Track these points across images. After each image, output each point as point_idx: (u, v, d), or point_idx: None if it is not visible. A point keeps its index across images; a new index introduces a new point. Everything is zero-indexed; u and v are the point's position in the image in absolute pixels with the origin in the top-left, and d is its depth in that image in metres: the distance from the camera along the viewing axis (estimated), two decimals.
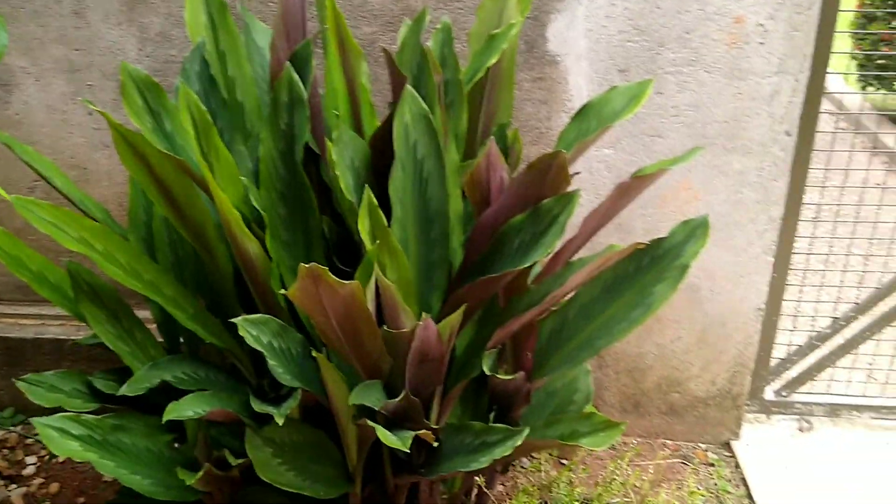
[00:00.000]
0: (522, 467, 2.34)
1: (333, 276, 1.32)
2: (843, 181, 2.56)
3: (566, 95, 2.20)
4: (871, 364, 2.74)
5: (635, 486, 1.99)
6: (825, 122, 2.34)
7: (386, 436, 1.44)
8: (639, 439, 2.62)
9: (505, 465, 2.31)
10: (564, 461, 2.44)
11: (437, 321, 1.55)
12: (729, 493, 2.43)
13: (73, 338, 2.52)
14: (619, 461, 2.14)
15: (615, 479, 2.02)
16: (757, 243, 2.33)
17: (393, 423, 1.61)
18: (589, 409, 1.89)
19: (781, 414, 2.72)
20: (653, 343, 2.51)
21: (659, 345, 2.51)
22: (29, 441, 2.56)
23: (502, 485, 2.31)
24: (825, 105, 2.29)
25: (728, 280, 2.40)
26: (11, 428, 2.59)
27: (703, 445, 2.63)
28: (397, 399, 1.54)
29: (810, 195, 2.44)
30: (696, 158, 2.24)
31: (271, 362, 1.54)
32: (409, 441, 1.45)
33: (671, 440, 2.63)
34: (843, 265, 2.74)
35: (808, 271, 2.68)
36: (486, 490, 1.98)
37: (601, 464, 2.43)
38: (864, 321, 2.63)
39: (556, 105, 2.21)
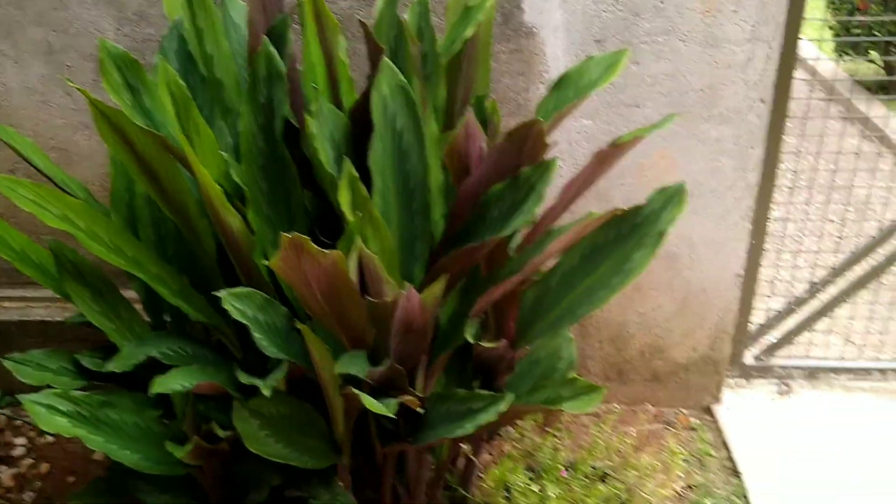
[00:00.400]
0: (507, 436, 2.37)
1: (316, 246, 1.34)
2: (818, 148, 2.60)
3: (543, 67, 2.22)
4: (848, 327, 2.79)
5: (618, 449, 2.03)
6: (800, 91, 2.37)
7: (371, 402, 1.46)
8: (622, 406, 2.65)
9: (490, 433, 2.35)
10: (549, 429, 2.47)
11: (421, 291, 1.57)
12: (711, 456, 2.47)
13: (58, 319, 2.53)
14: (602, 427, 2.18)
15: (599, 443, 2.05)
16: (735, 210, 2.37)
17: (379, 393, 1.64)
18: (572, 376, 1.92)
19: (761, 378, 2.76)
20: (635, 312, 2.54)
21: (641, 313, 2.54)
22: (17, 423, 2.57)
23: (489, 453, 2.34)
24: (800, 74, 2.32)
25: (707, 247, 2.43)
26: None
27: (685, 410, 2.67)
28: (382, 367, 1.56)
29: (786, 162, 2.47)
30: (674, 127, 2.27)
31: (256, 335, 1.56)
32: (394, 407, 1.48)
33: (654, 406, 2.67)
34: (819, 231, 2.78)
35: (785, 237, 2.73)
36: (472, 457, 2.01)
37: (585, 430, 2.46)
38: (840, 285, 2.68)
39: (533, 76, 2.23)
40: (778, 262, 2.69)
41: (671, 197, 1.84)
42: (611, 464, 1.99)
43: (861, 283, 2.64)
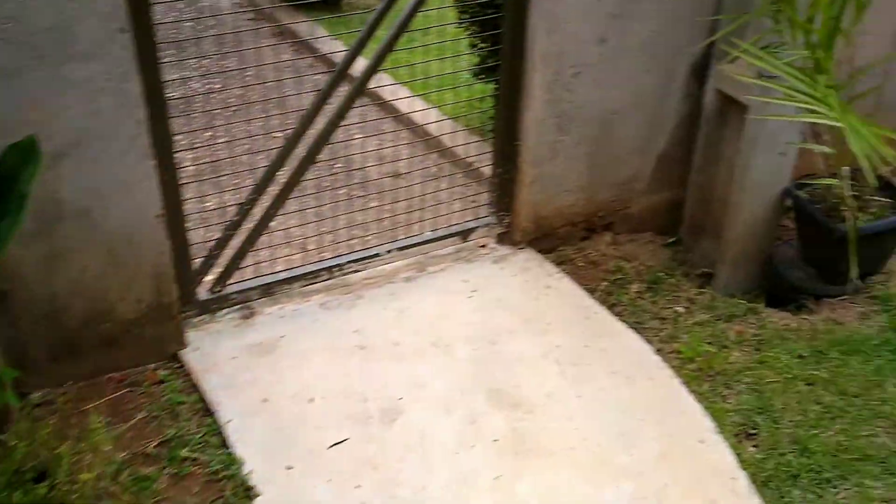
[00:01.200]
0: None
1: None
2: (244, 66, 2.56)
3: None
4: (288, 237, 2.87)
5: (48, 442, 1.81)
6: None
7: None
8: (81, 383, 2.44)
9: None
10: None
11: None
12: (183, 403, 2.40)
13: None
14: (52, 417, 1.95)
15: (39, 438, 1.83)
16: (132, 150, 2.24)
17: None
18: None
19: (223, 309, 2.73)
20: (62, 280, 2.32)
21: (69, 280, 2.33)
22: None
23: None
24: None
25: (118, 194, 2.28)
26: None
27: (152, 365, 2.55)
28: None
29: (190, 88, 2.40)
30: (37, 75, 2.05)
31: None
32: None
33: (118, 371, 2.51)
34: (231, 152, 2.77)
35: (201, 164, 2.67)
36: None
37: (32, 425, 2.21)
38: (267, 199, 2.71)
39: None
40: (201, 191, 2.64)
41: (25, 152, 1.67)
42: (47, 458, 1.78)
43: (285, 193, 2.69)
